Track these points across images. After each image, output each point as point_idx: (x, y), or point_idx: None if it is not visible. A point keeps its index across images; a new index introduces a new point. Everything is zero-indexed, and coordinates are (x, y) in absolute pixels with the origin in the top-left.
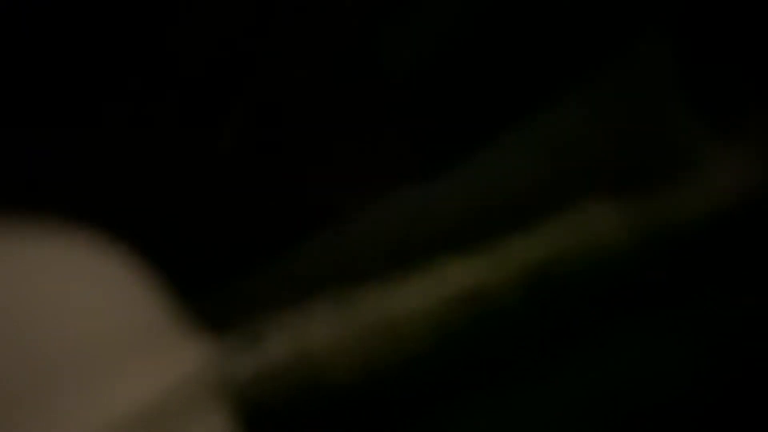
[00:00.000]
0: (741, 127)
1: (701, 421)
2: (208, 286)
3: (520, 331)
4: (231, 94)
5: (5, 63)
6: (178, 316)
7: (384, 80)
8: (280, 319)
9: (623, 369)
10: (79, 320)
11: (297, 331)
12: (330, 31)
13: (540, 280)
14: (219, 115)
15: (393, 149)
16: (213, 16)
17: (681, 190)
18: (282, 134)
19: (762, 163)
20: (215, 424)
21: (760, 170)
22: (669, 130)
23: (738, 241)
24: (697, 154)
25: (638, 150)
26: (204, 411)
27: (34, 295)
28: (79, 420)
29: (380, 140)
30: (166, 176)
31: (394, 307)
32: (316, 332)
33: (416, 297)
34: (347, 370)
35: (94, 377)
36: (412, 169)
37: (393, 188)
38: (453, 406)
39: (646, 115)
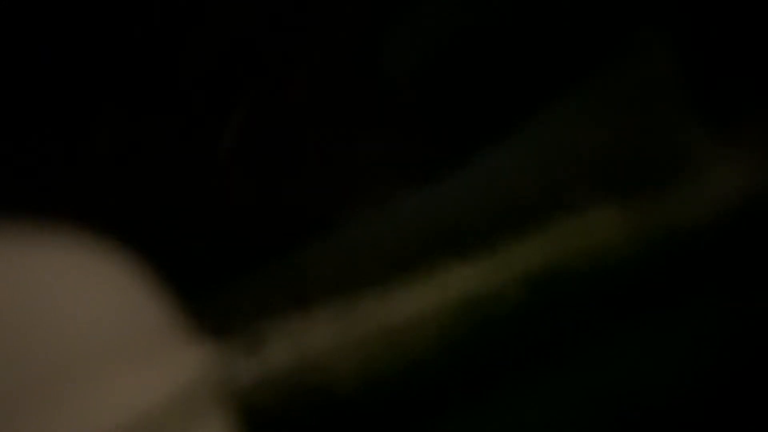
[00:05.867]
0: (743, 129)
1: (702, 421)
2: (210, 290)
3: (522, 335)
4: (232, 96)
5: (6, 66)
6: (180, 320)
7: (385, 83)
8: (281, 325)
9: (624, 370)
10: (81, 324)
11: (298, 336)
12: (332, 33)
13: (542, 284)
14: (220, 117)
15: (394, 153)
16: (214, 19)
17: (683, 192)
18: (283, 137)
19: (762, 165)
20: (217, 428)
21: (762, 171)
22: (671, 133)
23: (740, 243)
24: (699, 156)
25: (641, 152)
26: (205, 415)
27: (36, 299)
28: (81, 423)
29: (382, 143)
30: (167, 180)
31: (395, 312)
32: (318, 337)
33: (417, 302)
34: (348, 375)
35: (95, 381)
36: (414, 173)
37: (394, 192)
38: (455, 410)
39: (649, 117)
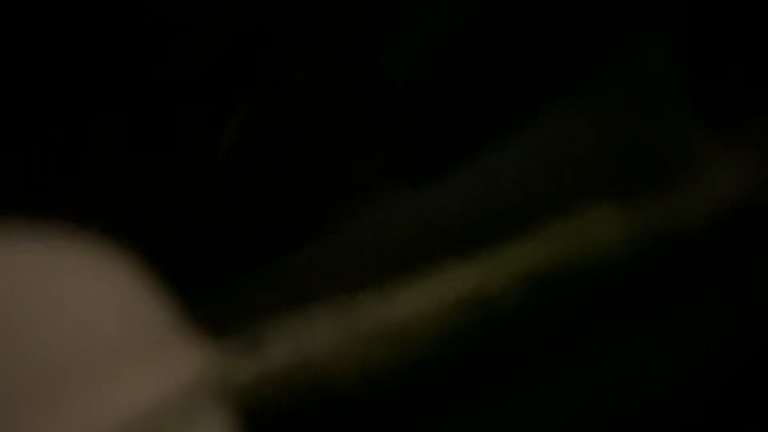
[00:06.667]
0: (742, 130)
1: (701, 421)
2: (209, 290)
3: (522, 335)
4: (232, 95)
5: (6, 65)
6: (179, 320)
7: (384, 82)
8: (281, 324)
9: (624, 370)
10: (80, 323)
11: (298, 335)
12: (330, 32)
13: (541, 284)
14: (219, 116)
15: (394, 152)
16: (213, 18)
17: (682, 192)
18: (282, 136)
19: (762, 165)
20: (216, 427)
21: (761, 172)
22: (670, 133)
23: (739, 242)
24: (699, 156)
25: (640, 152)
26: (205, 415)
27: (35, 298)
28: (81, 423)
29: (381, 143)
30: (167, 180)
31: (394, 311)
32: (317, 336)
33: (417, 301)
34: (348, 375)
35: (95, 380)
36: (413, 173)
37: (394, 191)
38: (454, 410)
39: (648, 118)
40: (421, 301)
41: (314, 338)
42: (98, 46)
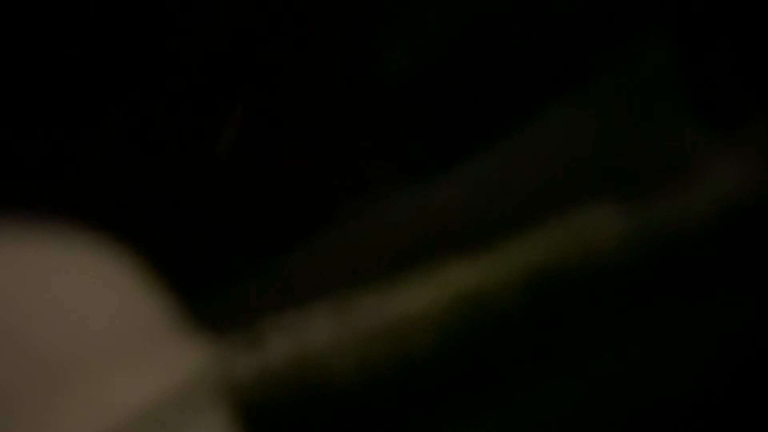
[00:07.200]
0: (741, 129)
1: (700, 421)
2: (209, 288)
3: (520, 333)
4: (231, 95)
5: (6, 64)
6: (179, 318)
7: (384, 81)
8: (280, 322)
9: (622, 369)
10: (80, 321)
11: (297, 333)
12: (330, 32)
13: (540, 282)
14: (219, 116)
15: (394, 151)
16: (213, 18)
17: (681, 191)
18: (282, 135)
19: (762, 165)
20: (215, 425)
21: (761, 172)
22: (669, 133)
23: (738, 242)
24: (698, 156)
25: (639, 152)
26: (204, 412)
27: (36, 296)
28: (79, 420)
29: (381, 142)
30: (167, 178)
31: (393, 309)
32: (316, 334)
33: (416, 299)
34: (347, 372)
35: (94, 378)
36: (412, 171)
37: (393, 190)
38: (453, 408)
39: (647, 117)
40: (420, 299)
41: (313, 336)
42: (98, 46)
